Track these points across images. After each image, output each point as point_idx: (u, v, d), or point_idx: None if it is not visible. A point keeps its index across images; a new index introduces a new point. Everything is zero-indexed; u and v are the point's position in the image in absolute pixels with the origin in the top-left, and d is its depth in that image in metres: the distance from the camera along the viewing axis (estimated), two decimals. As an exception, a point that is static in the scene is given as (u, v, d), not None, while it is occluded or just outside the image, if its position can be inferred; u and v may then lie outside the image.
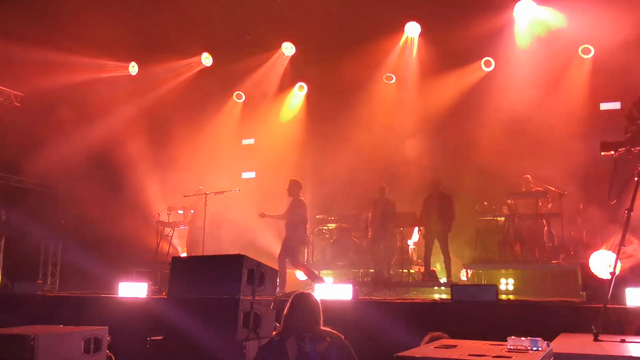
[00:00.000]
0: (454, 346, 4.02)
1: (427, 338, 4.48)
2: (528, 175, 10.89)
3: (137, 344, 5.03)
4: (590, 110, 11.86)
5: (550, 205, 10.70)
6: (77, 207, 12.86)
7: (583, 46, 12.01)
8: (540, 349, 3.79)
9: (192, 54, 13.89)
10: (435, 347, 4.00)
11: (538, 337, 3.97)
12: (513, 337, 3.97)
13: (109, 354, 4.99)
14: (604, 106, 12.00)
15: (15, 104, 11.59)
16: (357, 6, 12.27)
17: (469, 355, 3.63)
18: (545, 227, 10.55)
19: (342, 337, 4.10)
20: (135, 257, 12.14)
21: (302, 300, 4.12)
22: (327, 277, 12.06)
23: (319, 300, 4.20)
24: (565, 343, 4.55)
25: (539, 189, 10.66)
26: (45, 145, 11.89)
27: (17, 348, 4.94)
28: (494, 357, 3.56)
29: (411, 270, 10.99)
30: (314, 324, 4.04)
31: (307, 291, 4.41)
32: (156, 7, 13.11)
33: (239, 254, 4.49)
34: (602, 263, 6.45)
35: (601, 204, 9.30)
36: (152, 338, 4.60)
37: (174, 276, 4.82)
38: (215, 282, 4.52)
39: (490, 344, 4.15)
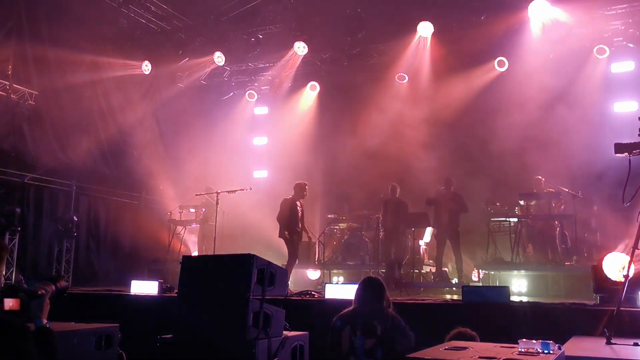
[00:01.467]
0: (464, 348, 4.00)
1: (454, 332, 4.73)
2: (540, 177, 10.80)
3: (147, 341, 5.06)
4: (605, 111, 11.77)
5: (563, 206, 10.60)
6: (91, 204, 12.96)
7: (598, 46, 11.90)
8: (551, 352, 3.76)
9: (204, 53, 13.94)
10: (446, 349, 3.98)
11: (550, 339, 3.94)
12: (524, 339, 3.95)
13: (120, 351, 5.02)
14: (618, 107, 11.90)
15: (30, 102, 11.68)
16: (370, 6, 12.27)
17: (479, 357, 3.61)
18: (558, 229, 10.47)
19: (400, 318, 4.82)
20: (148, 255, 12.21)
21: (370, 283, 5.05)
22: (338, 277, 12.08)
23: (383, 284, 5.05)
24: (577, 346, 4.51)
25: (551, 190, 10.58)
26: (60, 143, 11.99)
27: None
28: (504, 359, 3.54)
29: (422, 271, 10.96)
30: (380, 303, 4.86)
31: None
32: (169, 6, 13.20)
33: (249, 254, 4.50)
34: (616, 265, 6.39)
35: (615, 206, 9.21)
36: (162, 336, 4.62)
37: (185, 275, 4.84)
38: (225, 282, 4.53)
39: (501, 346, 4.12)
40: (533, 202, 10.75)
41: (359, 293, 5.00)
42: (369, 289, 4.98)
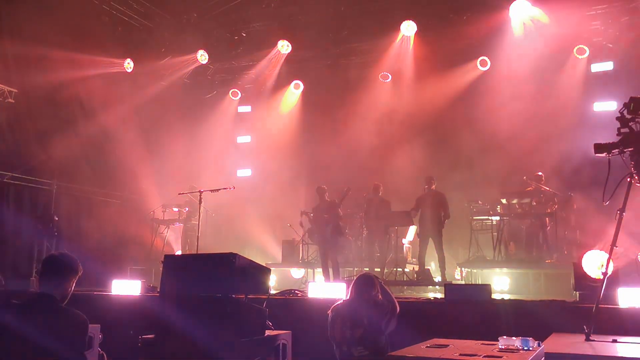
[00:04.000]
0: (445, 346, 4.04)
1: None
2: (540, 173, 10.84)
3: (129, 342, 5.03)
4: (585, 111, 11.91)
5: (554, 206, 10.67)
6: (71, 203, 12.82)
7: (578, 46, 12.04)
8: (531, 348, 3.81)
9: (188, 51, 13.85)
10: (428, 347, 4.01)
11: (530, 336, 3.99)
12: (504, 337, 3.99)
13: (101, 351, 4.98)
14: (598, 106, 12.04)
15: (10, 100, 11.52)
16: (353, 4, 12.30)
17: (460, 355, 3.64)
18: (540, 227, 10.56)
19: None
20: (130, 254, 12.11)
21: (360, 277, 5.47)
22: (322, 276, 12.07)
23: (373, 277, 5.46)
24: (556, 343, 4.56)
25: (546, 188, 10.63)
26: (40, 142, 11.84)
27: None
28: (484, 356, 3.58)
29: (406, 269, 10.99)
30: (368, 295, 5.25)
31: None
32: (152, 3, 13.09)
33: (231, 253, 4.49)
34: (595, 263, 6.46)
35: (594, 204, 9.32)
36: (143, 336, 4.59)
37: (167, 274, 4.81)
38: (207, 280, 4.52)
39: (482, 344, 4.16)
40: (515, 201, 10.81)
41: (351, 287, 5.41)
42: (358, 282, 5.38)
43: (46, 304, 3.63)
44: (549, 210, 10.53)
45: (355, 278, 5.55)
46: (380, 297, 5.30)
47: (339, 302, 5.37)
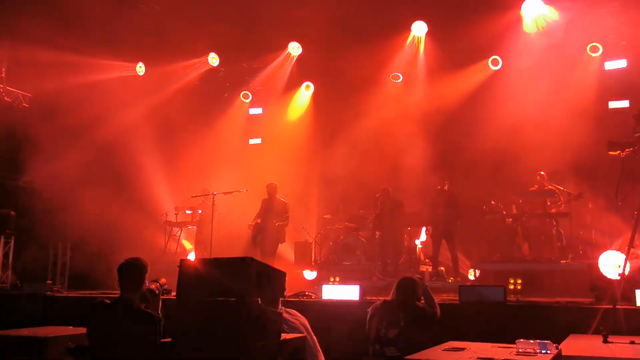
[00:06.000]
0: (462, 349, 4.03)
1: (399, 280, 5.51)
2: (542, 172, 10.79)
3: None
4: (599, 109, 11.80)
5: (561, 204, 10.61)
6: (86, 207, 12.90)
7: (591, 44, 11.93)
8: (548, 352, 3.79)
9: (198, 54, 13.91)
10: (444, 350, 4.00)
11: (546, 338, 3.97)
12: (522, 340, 3.97)
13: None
14: (613, 105, 11.93)
15: (24, 104, 11.63)
16: (363, 5, 12.26)
17: (477, 358, 3.63)
18: (554, 227, 10.49)
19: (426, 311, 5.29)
20: (143, 257, 12.12)
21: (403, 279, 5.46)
22: (335, 277, 12.07)
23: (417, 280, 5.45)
24: (574, 345, 4.53)
25: (551, 187, 10.58)
26: (54, 146, 11.95)
27: (27, 350, 4.99)
28: (502, 360, 3.57)
29: (419, 270, 10.96)
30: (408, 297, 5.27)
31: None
32: (163, 6, 13.14)
33: (247, 257, 4.50)
34: (612, 263, 6.43)
35: (610, 204, 9.25)
36: (161, 340, 4.61)
37: (183, 279, 4.82)
38: (222, 285, 4.52)
39: (499, 347, 4.15)
40: (529, 200, 10.74)
41: (394, 287, 5.45)
42: (401, 283, 5.40)
43: (125, 306, 4.37)
44: (563, 210, 10.45)
45: (399, 279, 5.56)
46: (422, 301, 5.35)
47: (379, 301, 5.42)
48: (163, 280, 4.92)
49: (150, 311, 4.49)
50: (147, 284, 4.72)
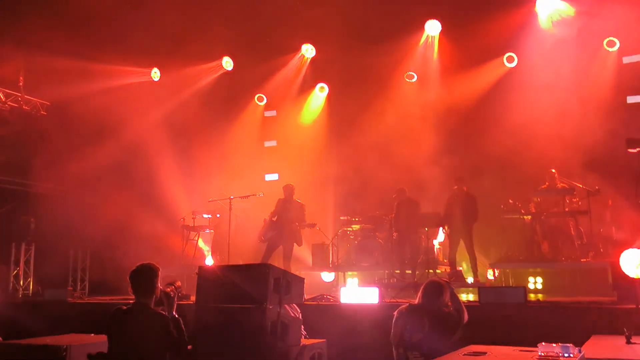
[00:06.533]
0: (483, 353, 3.99)
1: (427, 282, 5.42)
2: (553, 170, 10.68)
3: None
4: (617, 104, 11.65)
5: (579, 202, 10.49)
6: (104, 213, 13.03)
7: (608, 39, 11.79)
8: (571, 355, 3.74)
9: (213, 58, 13.98)
10: (465, 355, 3.97)
11: (568, 339, 3.93)
12: (544, 343, 3.93)
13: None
14: (631, 99, 11.78)
15: (42, 112, 11.78)
16: (376, 5, 12.23)
17: (499, 363, 3.60)
18: (574, 225, 10.37)
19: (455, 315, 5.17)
20: (161, 261, 12.16)
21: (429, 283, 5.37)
22: (352, 279, 12.06)
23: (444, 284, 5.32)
24: (597, 347, 4.48)
25: (564, 184, 10.47)
26: (73, 153, 12.09)
27: (50, 359, 5.04)
28: (524, 365, 3.53)
29: (437, 271, 10.90)
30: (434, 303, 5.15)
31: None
32: (176, 12, 13.22)
33: (265, 263, 4.52)
34: (633, 262, 6.33)
35: (630, 200, 9.13)
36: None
37: (202, 285, 4.86)
38: (242, 292, 4.55)
39: (520, 350, 4.11)
40: (548, 199, 10.62)
41: (420, 291, 5.35)
42: (427, 287, 5.29)
43: (140, 311, 4.53)
44: (582, 207, 10.32)
45: (425, 282, 5.48)
46: (449, 305, 5.22)
47: (405, 305, 5.35)
48: (178, 283, 4.99)
49: (163, 312, 4.60)
50: (162, 287, 4.77)
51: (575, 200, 10.52)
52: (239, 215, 11.77)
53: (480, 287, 6.98)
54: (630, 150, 4.95)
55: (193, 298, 5.40)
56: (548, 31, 11.77)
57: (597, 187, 10.00)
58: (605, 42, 11.82)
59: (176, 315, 4.67)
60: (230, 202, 10.25)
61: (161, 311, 4.60)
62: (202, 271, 4.99)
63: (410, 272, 10.73)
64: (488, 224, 11.28)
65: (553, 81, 11.63)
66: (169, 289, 4.84)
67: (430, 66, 13.09)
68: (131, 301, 5.92)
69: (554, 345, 3.86)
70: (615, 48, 11.82)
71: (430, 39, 12.66)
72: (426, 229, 11.01)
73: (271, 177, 15.31)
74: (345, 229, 12.58)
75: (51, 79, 11.82)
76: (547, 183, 10.65)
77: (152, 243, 12.85)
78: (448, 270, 10.92)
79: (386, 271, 11.18)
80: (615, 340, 4.76)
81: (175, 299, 4.82)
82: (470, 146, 12.65)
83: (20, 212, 11.03)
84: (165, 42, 13.85)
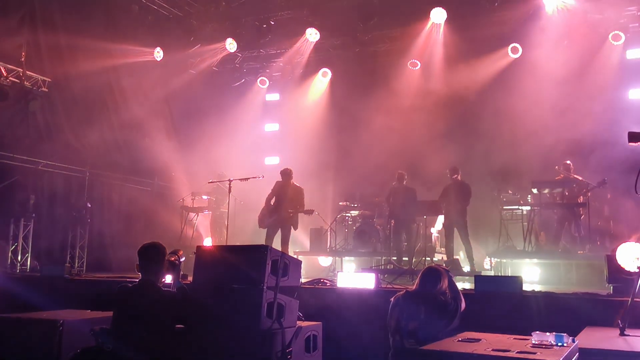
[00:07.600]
0: (477, 340, 4.02)
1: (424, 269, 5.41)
2: (568, 161, 10.61)
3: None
4: (620, 98, 11.64)
5: (580, 195, 10.47)
6: (104, 191, 13.05)
7: (613, 32, 11.73)
8: (565, 344, 3.77)
9: (216, 39, 13.91)
10: (459, 341, 4.00)
11: (563, 329, 3.94)
12: (538, 332, 3.95)
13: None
14: (634, 93, 11.76)
15: (43, 89, 11.73)
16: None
17: (493, 350, 3.62)
18: (572, 217, 10.38)
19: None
20: (160, 241, 12.24)
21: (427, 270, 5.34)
22: (350, 264, 12.11)
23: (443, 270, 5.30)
24: (590, 337, 4.51)
25: (577, 177, 10.42)
26: (73, 130, 12.07)
27: (45, 332, 5.08)
28: (518, 352, 3.55)
29: (435, 259, 10.95)
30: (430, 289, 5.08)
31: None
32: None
33: (263, 245, 4.53)
34: (630, 255, 6.33)
35: (629, 195, 9.13)
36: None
37: (199, 265, 4.88)
38: (239, 272, 4.57)
39: (514, 338, 4.13)
40: (546, 190, 10.63)
41: (418, 277, 5.28)
42: (424, 274, 5.23)
43: (147, 288, 4.59)
44: (581, 200, 10.33)
45: (423, 269, 5.43)
46: (447, 293, 5.11)
47: (402, 292, 5.28)
48: (180, 252, 5.17)
49: (171, 290, 4.76)
50: (167, 257, 4.84)
51: (581, 192, 10.46)
52: (238, 197, 11.78)
53: (477, 276, 7.00)
54: (631, 143, 4.93)
55: (190, 278, 5.43)
56: (553, 23, 11.70)
57: (603, 179, 9.97)
58: (610, 35, 11.77)
59: (181, 282, 4.81)
60: (229, 184, 10.24)
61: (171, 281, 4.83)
62: (200, 251, 5.00)
63: (406, 259, 10.75)
64: (487, 214, 11.31)
65: (556, 73, 11.61)
66: (173, 258, 4.97)
67: (434, 54, 13.03)
68: (128, 279, 5.98)
69: (547, 334, 3.89)
70: (621, 42, 11.78)
71: (435, 27, 12.58)
72: (425, 217, 11.00)
73: (271, 160, 15.32)
74: (344, 214, 12.60)
75: (53, 55, 11.77)
76: (561, 175, 10.59)
77: (150, 223, 12.90)
78: (445, 258, 10.96)
79: (383, 257, 11.21)
80: (609, 331, 4.78)
81: (180, 267, 4.99)
82: (472, 135, 12.66)
83: (20, 188, 11.01)
84: (169, 22, 13.80)
